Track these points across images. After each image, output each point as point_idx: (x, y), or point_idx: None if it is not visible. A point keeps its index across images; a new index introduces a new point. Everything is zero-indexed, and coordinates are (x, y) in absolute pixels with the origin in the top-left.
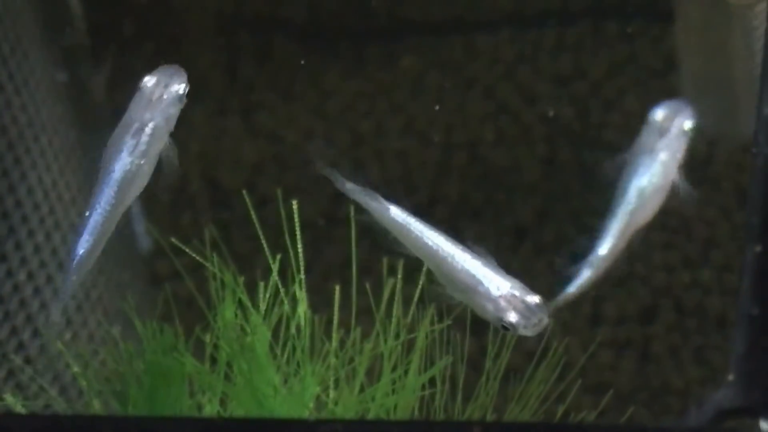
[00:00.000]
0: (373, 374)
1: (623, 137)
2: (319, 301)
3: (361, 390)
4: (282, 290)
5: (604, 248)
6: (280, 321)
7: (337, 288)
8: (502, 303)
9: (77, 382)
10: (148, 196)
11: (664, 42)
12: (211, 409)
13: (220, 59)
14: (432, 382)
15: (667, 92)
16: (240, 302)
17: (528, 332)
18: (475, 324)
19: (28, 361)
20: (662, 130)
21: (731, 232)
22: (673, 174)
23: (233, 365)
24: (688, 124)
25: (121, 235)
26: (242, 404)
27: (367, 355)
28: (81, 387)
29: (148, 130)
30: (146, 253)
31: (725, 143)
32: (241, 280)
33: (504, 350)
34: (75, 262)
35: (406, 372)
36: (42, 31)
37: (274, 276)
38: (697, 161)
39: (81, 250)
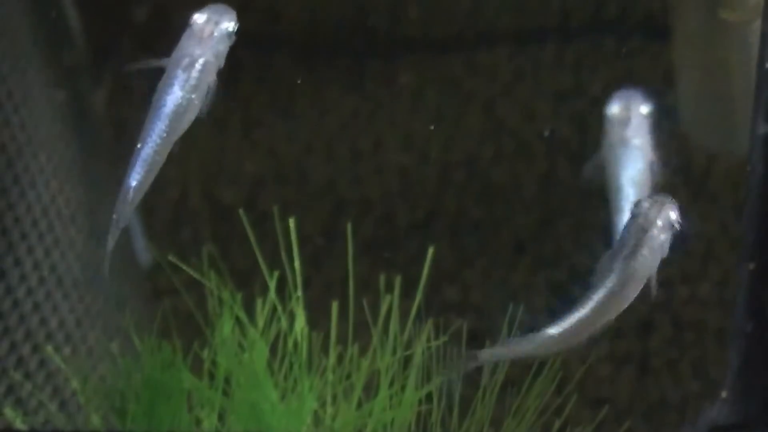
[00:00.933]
0: (371, 390)
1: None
2: (318, 317)
3: (359, 405)
4: (279, 306)
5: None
6: (278, 337)
7: (335, 304)
8: None
9: (77, 397)
10: (147, 211)
11: (661, 59)
12: (209, 424)
13: (220, 75)
14: (429, 397)
15: (663, 111)
16: (238, 318)
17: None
18: (471, 339)
19: (27, 376)
20: (624, 120)
21: (729, 247)
22: (651, 155)
23: (231, 380)
24: (645, 108)
25: (120, 250)
26: (240, 419)
27: (365, 371)
28: (80, 402)
29: (198, 65)
30: (146, 268)
31: (723, 159)
32: (239, 296)
33: (501, 364)
34: (127, 193)
35: (403, 387)
36: (41, 50)
37: (272, 292)
38: (695, 177)
39: (133, 183)
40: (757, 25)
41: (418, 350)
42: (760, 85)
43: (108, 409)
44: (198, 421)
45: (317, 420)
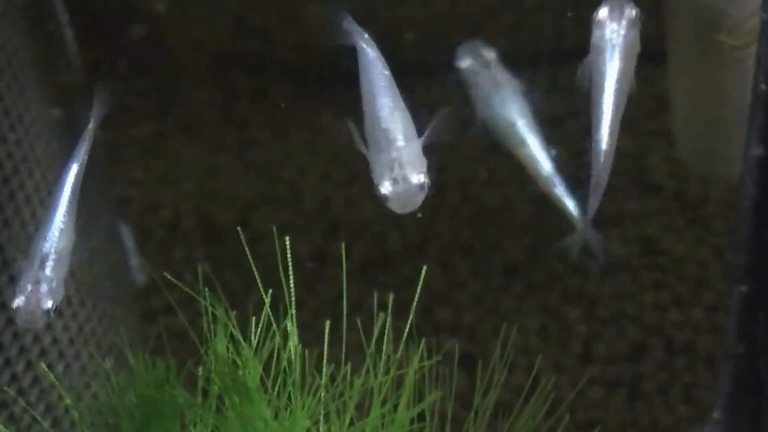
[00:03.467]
0: (363, 409)
1: (616, 178)
2: (311, 337)
3: (351, 424)
4: (274, 325)
5: (605, 143)
6: (271, 355)
7: (328, 323)
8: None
9: (69, 414)
10: (141, 232)
11: (656, 83)
12: None
13: (215, 98)
14: (422, 417)
15: (659, 133)
16: (232, 336)
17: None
18: (464, 359)
19: (21, 392)
20: (611, 25)
21: (722, 272)
22: (635, 60)
23: (224, 399)
24: (632, 12)
25: (115, 270)
26: None
27: (357, 390)
28: (73, 419)
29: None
30: (140, 287)
31: (717, 184)
32: (233, 314)
33: (493, 387)
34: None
35: (395, 407)
36: (37, 68)
37: (267, 310)
38: (690, 203)
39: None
40: (753, 48)
41: (411, 370)
42: (754, 108)
43: (101, 426)
44: None
45: None
